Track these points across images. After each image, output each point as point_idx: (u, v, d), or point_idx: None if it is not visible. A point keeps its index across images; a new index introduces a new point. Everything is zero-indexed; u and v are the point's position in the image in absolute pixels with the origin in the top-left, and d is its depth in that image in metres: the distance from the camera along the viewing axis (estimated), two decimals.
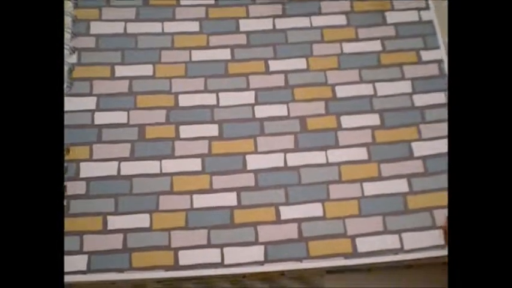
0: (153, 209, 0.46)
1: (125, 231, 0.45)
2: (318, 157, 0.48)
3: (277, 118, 0.49)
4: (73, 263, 0.44)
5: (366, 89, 0.51)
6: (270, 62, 0.52)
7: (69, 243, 0.44)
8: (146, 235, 0.45)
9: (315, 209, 0.46)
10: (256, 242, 0.45)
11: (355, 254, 0.45)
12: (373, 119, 0.50)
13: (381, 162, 0.48)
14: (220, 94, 0.50)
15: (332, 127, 0.49)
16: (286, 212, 0.46)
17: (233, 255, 0.45)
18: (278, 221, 0.46)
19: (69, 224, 0.45)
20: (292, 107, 0.50)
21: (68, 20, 0.50)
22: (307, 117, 0.50)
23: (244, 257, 0.45)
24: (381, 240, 0.45)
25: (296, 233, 0.46)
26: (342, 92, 0.51)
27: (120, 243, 0.45)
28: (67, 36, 0.49)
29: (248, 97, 0.50)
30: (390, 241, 0.45)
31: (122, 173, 0.47)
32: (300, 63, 0.52)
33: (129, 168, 0.47)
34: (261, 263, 0.45)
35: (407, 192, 0.47)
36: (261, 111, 0.50)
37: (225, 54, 0.52)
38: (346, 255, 0.45)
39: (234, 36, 0.52)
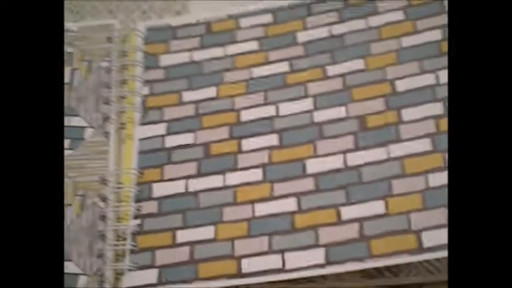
0: (218, 220, 0.47)
1: (192, 244, 0.46)
2: (378, 154, 0.46)
3: (336, 120, 0.48)
4: (145, 277, 0.46)
5: (427, 79, 0.48)
6: (327, 67, 0.51)
7: (142, 258, 0.46)
8: (211, 246, 0.46)
9: (377, 207, 0.44)
10: (317, 245, 0.44)
11: (420, 249, 0.42)
12: (437, 108, 0.47)
13: (446, 152, 0.45)
14: (279, 105, 0.50)
15: (393, 122, 0.47)
16: (347, 212, 0.45)
17: (294, 259, 0.44)
18: (339, 222, 0.44)
19: (142, 241, 0.47)
20: (351, 107, 0.49)
21: (139, 55, 0.54)
22: (366, 115, 0.48)
23: (305, 261, 0.44)
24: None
25: (357, 232, 0.44)
26: (402, 85, 0.49)
27: (187, 255, 0.46)
28: (139, 69, 0.54)
29: (307, 104, 0.50)
30: None
31: (190, 189, 0.49)
32: (358, 64, 0.50)
33: (196, 184, 0.49)
34: (322, 266, 0.43)
35: None
36: (320, 116, 0.49)
37: (284, 67, 0.52)
38: (411, 252, 0.42)
39: (292, 48, 0.53)
